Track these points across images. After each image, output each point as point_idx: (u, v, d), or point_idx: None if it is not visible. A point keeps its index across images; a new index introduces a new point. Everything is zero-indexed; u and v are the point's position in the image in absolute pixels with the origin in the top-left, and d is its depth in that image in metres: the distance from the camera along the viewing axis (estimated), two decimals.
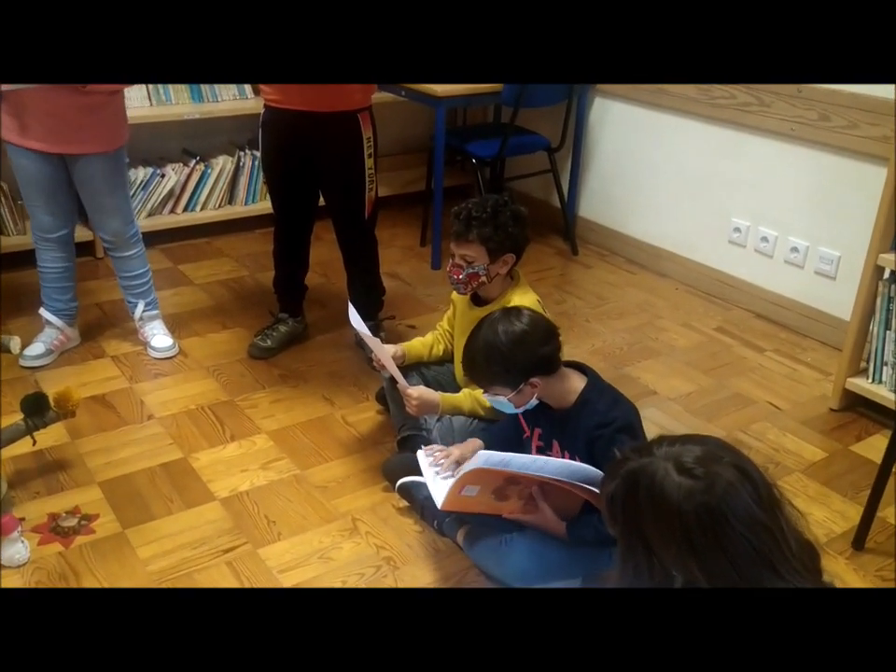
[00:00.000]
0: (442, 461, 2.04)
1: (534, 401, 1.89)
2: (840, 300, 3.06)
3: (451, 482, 1.86)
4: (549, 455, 1.94)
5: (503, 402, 1.90)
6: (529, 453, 2.00)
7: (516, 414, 1.98)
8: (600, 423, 1.82)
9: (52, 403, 2.21)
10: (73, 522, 2.10)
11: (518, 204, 2.30)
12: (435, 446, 2.13)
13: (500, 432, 2.11)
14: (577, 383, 1.90)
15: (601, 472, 1.76)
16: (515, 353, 1.83)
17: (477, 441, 2.09)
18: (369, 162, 2.68)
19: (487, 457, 1.78)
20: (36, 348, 2.78)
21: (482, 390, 1.99)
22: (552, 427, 1.95)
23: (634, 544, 1.19)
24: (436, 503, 1.93)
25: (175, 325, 3.07)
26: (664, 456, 1.18)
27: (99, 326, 3.06)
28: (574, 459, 1.87)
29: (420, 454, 2.10)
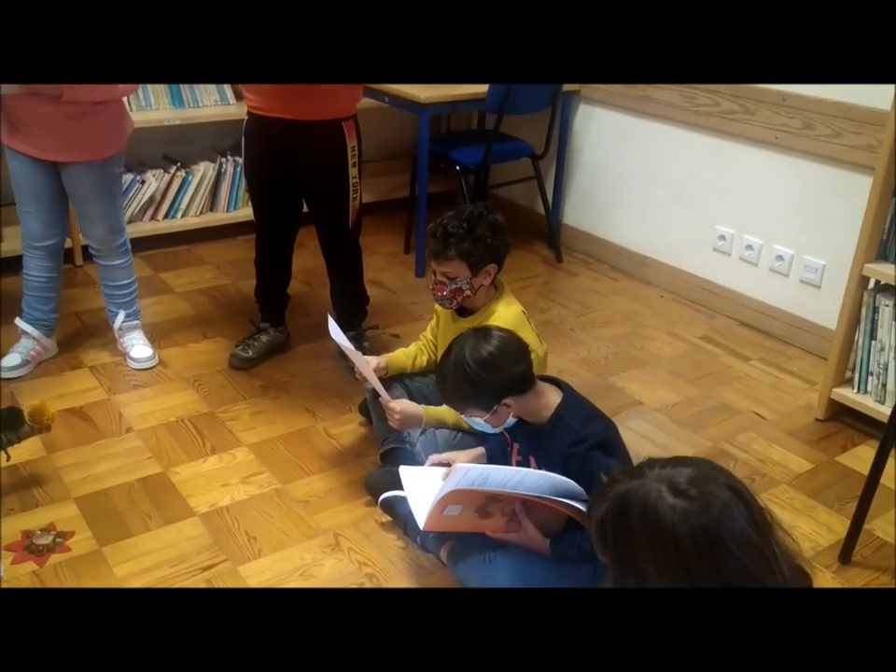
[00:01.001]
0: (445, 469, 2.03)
1: (511, 420, 1.88)
2: (825, 308, 3.05)
3: (432, 502, 1.83)
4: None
5: (481, 423, 1.90)
6: (511, 464, 1.99)
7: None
8: (574, 440, 1.80)
9: (27, 417, 2.16)
10: (48, 539, 2.05)
11: (495, 213, 2.27)
12: (443, 455, 2.11)
13: (496, 441, 2.10)
14: (552, 398, 1.89)
15: (580, 487, 1.75)
16: (484, 377, 1.82)
17: (480, 449, 2.08)
18: (353, 171, 2.64)
19: (465, 473, 1.76)
20: (12, 359, 2.72)
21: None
22: (528, 443, 1.94)
23: (625, 570, 1.16)
24: (418, 524, 1.90)
25: (155, 334, 3.02)
26: (656, 478, 1.16)
27: (77, 335, 3.01)
28: None
29: (403, 471, 2.07)
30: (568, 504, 1.77)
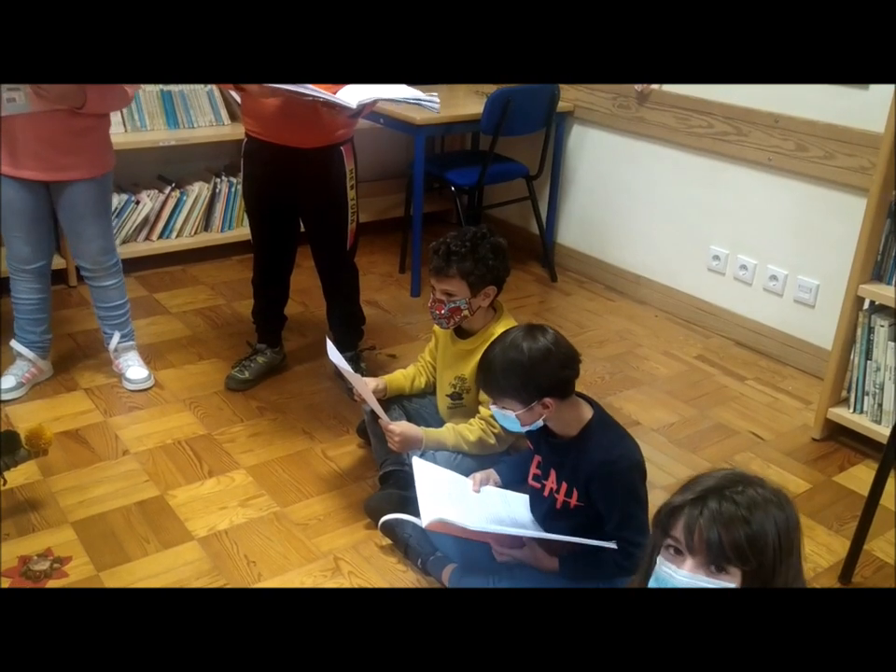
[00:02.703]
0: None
1: (539, 422, 1.86)
2: (819, 328, 3.07)
3: (442, 508, 1.83)
4: (544, 484, 1.92)
5: (510, 418, 1.86)
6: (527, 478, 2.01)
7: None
8: (604, 460, 1.80)
9: (24, 441, 2.14)
10: (45, 565, 2.03)
11: (497, 236, 2.28)
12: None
13: (507, 464, 2.12)
14: (584, 413, 1.88)
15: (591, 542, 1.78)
16: (536, 369, 1.80)
17: (490, 471, 2.08)
18: (351, 194, 2.65)
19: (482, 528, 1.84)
20: (7, 381, 2.70)
21: (490, 403, 1.94)
22: (551, 455, 1.92)
23: (767, 575, 1.19)
24: (422, 518, 1.88)
25: (151, 356, 3.01)
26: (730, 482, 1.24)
27: (72, 357, 2.99)
28: (571, 491, 1.86)
29: (416, 463, 2.05)
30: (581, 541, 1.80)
